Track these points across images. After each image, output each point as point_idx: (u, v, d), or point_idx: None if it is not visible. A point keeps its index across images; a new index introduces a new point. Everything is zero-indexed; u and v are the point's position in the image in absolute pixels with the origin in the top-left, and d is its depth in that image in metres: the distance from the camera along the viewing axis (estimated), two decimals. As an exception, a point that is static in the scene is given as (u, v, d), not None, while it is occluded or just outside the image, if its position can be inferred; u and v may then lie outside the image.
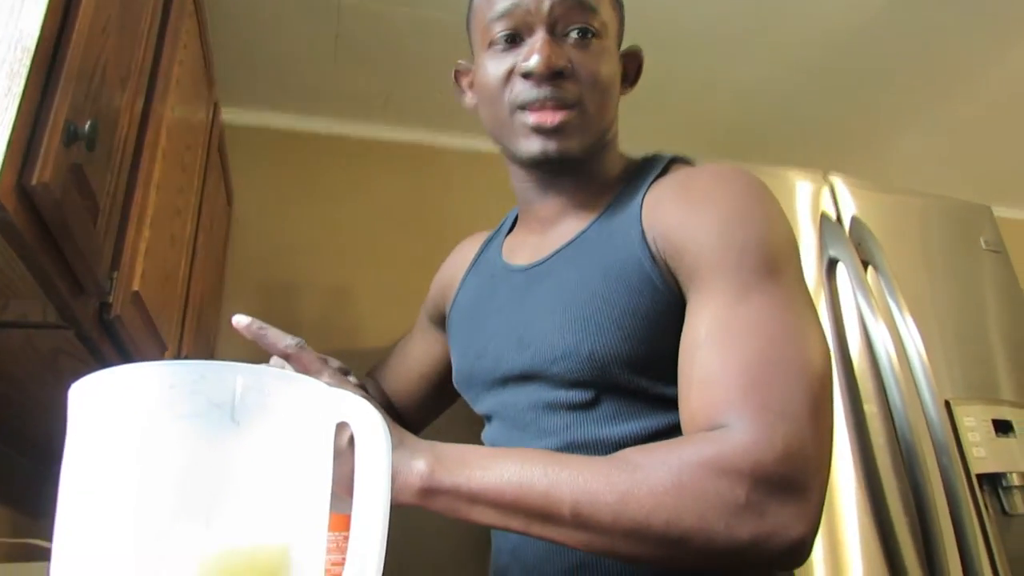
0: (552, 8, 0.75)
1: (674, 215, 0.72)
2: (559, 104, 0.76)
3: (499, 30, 0.77)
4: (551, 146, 0.77)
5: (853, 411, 1.22)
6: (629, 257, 0.74)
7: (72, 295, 0.82)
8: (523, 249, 0.90)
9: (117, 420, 0.38)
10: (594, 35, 0.77)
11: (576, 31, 0.76)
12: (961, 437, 1.25)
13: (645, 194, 0.78)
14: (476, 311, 0.92)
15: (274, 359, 0.78)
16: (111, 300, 0.91)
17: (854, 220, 1.37)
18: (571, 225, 0.84)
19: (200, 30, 1.39)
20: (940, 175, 2.64)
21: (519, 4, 0.76)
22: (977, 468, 1.26)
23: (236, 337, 1.88)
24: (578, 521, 0.58)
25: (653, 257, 0.72)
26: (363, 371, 1.94)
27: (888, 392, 1.20)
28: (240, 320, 0.68)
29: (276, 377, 0.41)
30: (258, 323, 0.68)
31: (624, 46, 0.88)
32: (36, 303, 0.83)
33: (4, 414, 1.20)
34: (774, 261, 0.67)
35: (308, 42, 1.92)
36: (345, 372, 0.80)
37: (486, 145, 2.34)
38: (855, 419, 1.22)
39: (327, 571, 0.43)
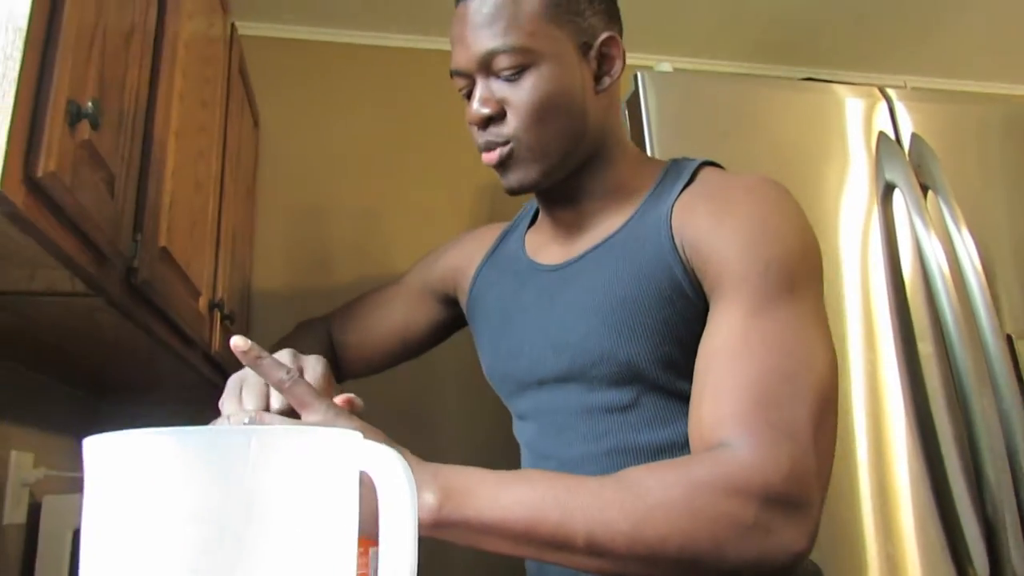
0: (480, 60, 0.77)
1: (703, 225, 0.73)
2: (490, 146, 0.79)
3: (458, 87, 0.82)
4: (505, 182, 0.81)
5: (906, 352, 1.18)
6: (660, 263, 0.74)
7: (95, 265, 0.80)
8: (549, 248, 0.90)
9: (127, 488, 0.37)
10: (525, 68, 0.76)
11: (506, 71, 0.77)
12: (1023, 374, 1.20)
13: (675, 201, 0.77)
14: (503, 307, 0.91)
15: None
16: (136, 264, 0.90)
17: (914, 139, 1.27)
18: (599, 229, 0.83)
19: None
20: (1004, 63, 2.47)
21: (458, 66, 0.80)
22: (1040, 408, 1.22)
23: (272, 265, 1.88)
24: (592, 549, 0.58)
25: (683, 264, 0.73)
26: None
27: (945, 330, 1.15)
28: (238, 345, 0.65)
29: (290, 433, 0.39)
30: (256, 350, 0.65)
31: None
32: (62, 274, 0.82)
33: (57, 356, 1.23)
34: (795, 279, 0.68)
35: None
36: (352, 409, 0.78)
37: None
38: (908, 361, 1.18)
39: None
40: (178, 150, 1.07)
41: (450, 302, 1.06)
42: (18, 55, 0.61)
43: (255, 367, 0.65)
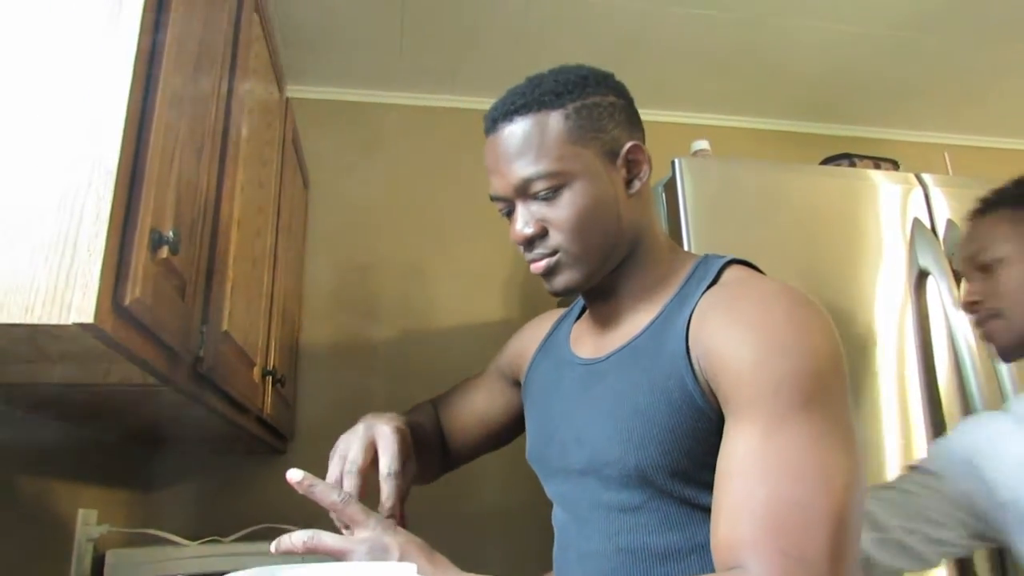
0: (517, 187, 0.82)
1: (717, 337, 0.74)
2: (538, 258, 0.84)
3: (498, 208, 0.87)
4: (550, 287, 0.86)
5: (936, 437, 1.19)
6: (673, 374, 0.76)
7: (167, 362, 0.86)
8: (586, 340, 0.94)
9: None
10: (560, 188, 0.81)
11: (542, 193, 0.82)
12: (1053, 459, 1.20)
13: (695, 306, 0.79)
14: (545, 395, 0.96)
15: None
16: (202, 353, 0.96)
17: (949, 225, 1.29)
18: (629, 326, 0.87)
19: (269, 49, 1.39)
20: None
21: (496, 192, 0.85)
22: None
23: (319, 318, 1.95)
24: None
25: (696, 375, 0.75)
26: (439, 355, 1.99)
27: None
28: (293, 476, 0.73)
29: (342, 570, 0.45)
30: (309, 480, 0.73)
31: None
32: (136, 370, 0.88)
33: (120, 420, 1.30)
34: (810, 394, 0.68)
35: (375, 17, 1.89)
36: (396, 505, 0.84)
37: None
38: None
39: None
40: (239, 236, 1.14)
41: (520, 387, 1.10)
42: (109, 195, 0.68)
43: (309, 495, 0.72)
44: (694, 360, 0.75)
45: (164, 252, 0.76)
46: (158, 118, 0.76)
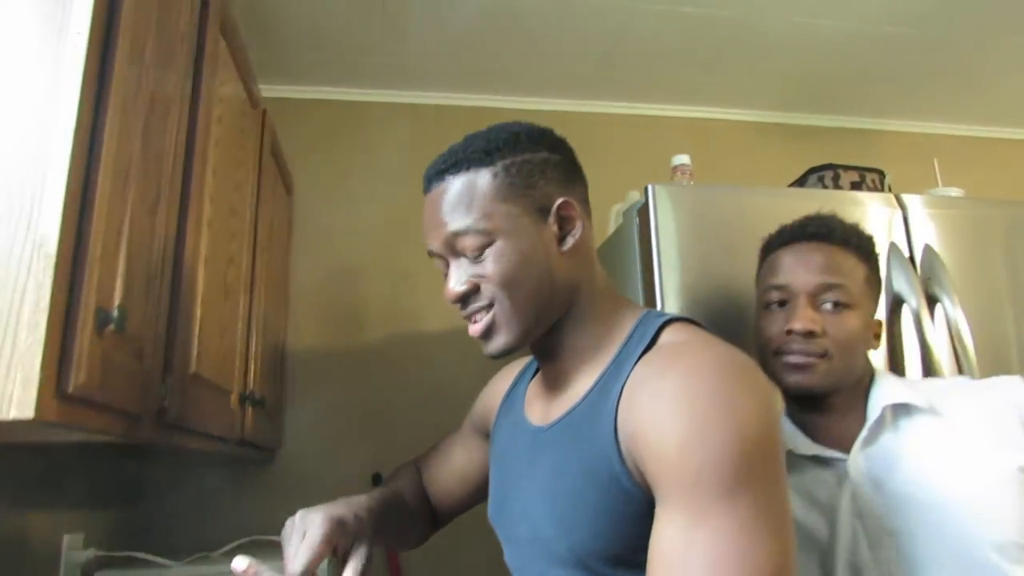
0: (446, 242, 0.83)
1: (642, 420, 0.72)
2: (473, 318, 0.84)
3: (438, 267, 0.87)
4: (486, 350, 0.85)
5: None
6: (601, 454, 0.75)
7: (126, 424, 0.86)
8: (536, 404, 0.93)
9: None
10: (487, 245, 0.81)
11: (471, 251, 0.82)
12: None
13: (628, 377, 0.78)
14: (503, 458, 0.96)
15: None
16: (166, 403, 0.96)
17: (926, 250, 1.26)
18: (571, 391, 0.86)
19: (239, 69, 1.37)
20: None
21: (432, 249, 0.85)
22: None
23: (304, 324, 1.94)
24: None
25: (623, 458, 0.74)
26: (427, 358, 1.99)
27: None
28: (238, 566, 0.73)
29: None
30: (255, 566, 0.73)
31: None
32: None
33: (99, 450, 1.31)
34: (735, 478, 0.66)
35: (355, 13, 1.85)
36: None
37: (548, 107, 2.26)
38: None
39: None
40: (208, 272, 1.13)
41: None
42: (49, 281, 0.68)
43: None
44: (621, 443, 0.74)
45: (111, 329, 0.75)
46: (102, 190, 0.75)
